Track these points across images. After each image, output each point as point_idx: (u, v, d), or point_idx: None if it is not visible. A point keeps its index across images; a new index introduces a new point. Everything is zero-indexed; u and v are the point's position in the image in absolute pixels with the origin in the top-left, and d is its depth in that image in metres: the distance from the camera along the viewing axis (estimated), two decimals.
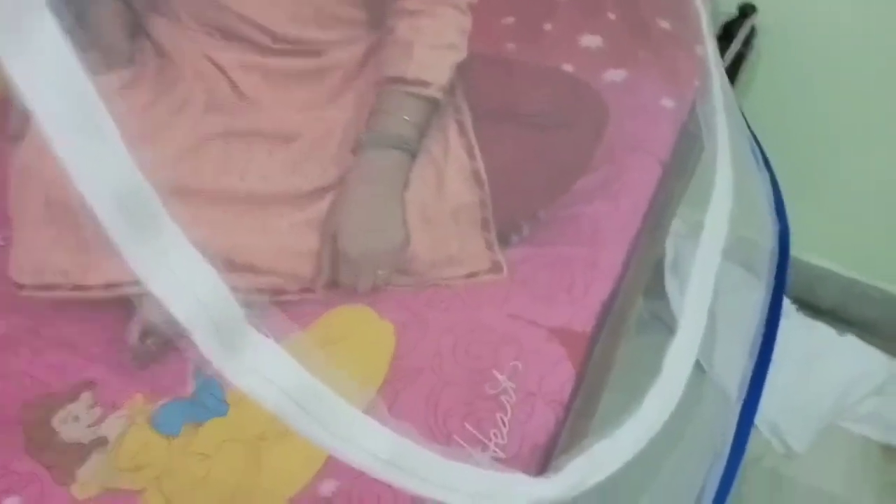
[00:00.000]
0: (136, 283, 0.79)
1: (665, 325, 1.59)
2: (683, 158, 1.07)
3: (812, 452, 1.49)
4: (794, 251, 1.62)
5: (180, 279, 0.40)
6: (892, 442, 1.53)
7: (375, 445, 0.48)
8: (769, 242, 0.96)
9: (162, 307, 0.40)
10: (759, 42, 1.29)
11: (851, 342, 1.62)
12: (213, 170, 0.82)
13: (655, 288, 1.59)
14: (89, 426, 0.75)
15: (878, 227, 1.54)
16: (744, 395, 0.80)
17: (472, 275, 0.90)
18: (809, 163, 1.44)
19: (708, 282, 0.80)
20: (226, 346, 0.42)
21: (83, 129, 0.34)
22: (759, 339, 0.86)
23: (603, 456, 0.62)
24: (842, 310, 1.68)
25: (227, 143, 0.86)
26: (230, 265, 0.78)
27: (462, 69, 0.85)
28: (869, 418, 1.55)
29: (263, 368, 0.44)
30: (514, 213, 0.91)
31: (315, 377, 0.46)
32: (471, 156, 0.86)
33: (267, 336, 0.45)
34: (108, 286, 0.79)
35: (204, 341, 0.41)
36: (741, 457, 0.73)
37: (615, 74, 1.08)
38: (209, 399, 0.79)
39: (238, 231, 0.81)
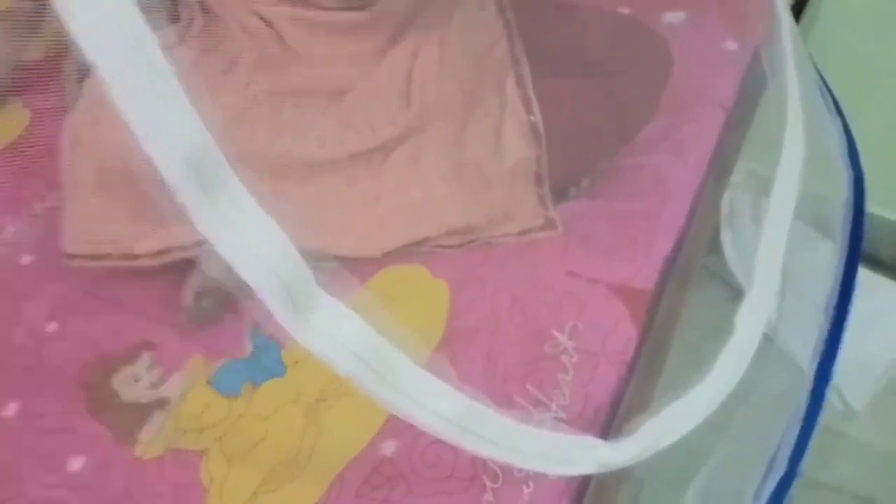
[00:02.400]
0: (189, 247, 0.79)
1: (721, 280, 1.55)
2: (748, 105, 1.02)
3: (871, 410, 1.45)
4: None
5: (249, 242, 0.38)
6: None
7: (443, 406, 0.47)
8: (842, 195, 0.91)
9: (230, 271, 0.38)
10: None
11: None
12: (266, 134, 0.80)
13: (711, 243, 1.55)
14: (150, 387, 0.76)
15: None
16: (818, 359, 0.76)
17: (524, 232, 0.87)
18: (871, 107, 1.37)
19: (781, 237, 0.76)
20: (296, 309, 0.41)
21: (150, 88, 0.33)
22: (833, 300, 0.82)
23: (674, 418, 0.60)
24: None
25: (280, 103, 0.84)
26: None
27: (519, 16, 0.81)
28: None
29: (333, 330, 0.43)
30: (573, 166, 0.88)
31: (382, 337, 0.44)
32: (528, 109, 0.83)
33: (335, 297, 0.43)
34: (159, 253, 0.79)
35: (275, 304, 0.39)
36: (815, 421, 0.70)
37: (674, 16, 1.02)
38: (267, 360, 0.79)
39: (292, 202, 0.79)
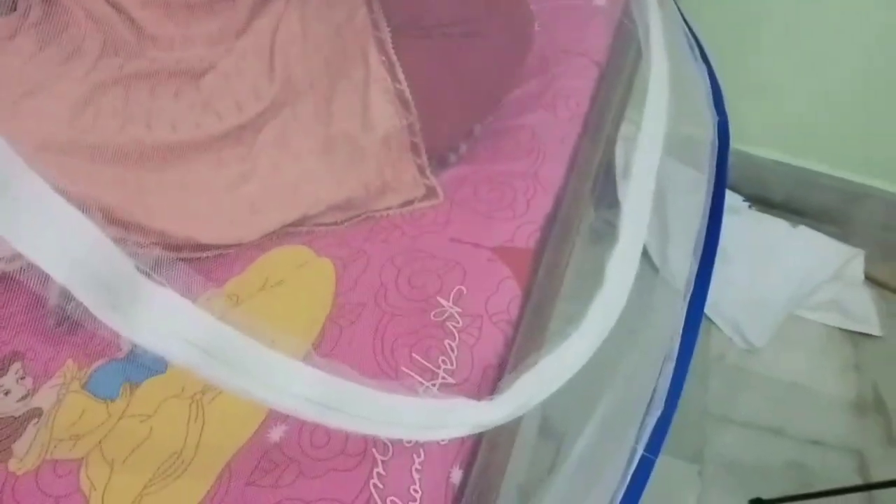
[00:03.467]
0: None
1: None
2: (620, 59, 1.03)
3: (773, 345, 1.52)
4: (742, 146, 1.62)
5: (51, 236, 0.36)
6: (849, 326, 1.57)
7: (305, 388, 0.46)
8: (710, 136, 0.94)
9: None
10: None
11: (804, 232, 1.64)
12: (114, 121, 0.76)
13: (608, 197, 1.57)
14: (20, 399, 0.72)
15: (821, 114, 1.53)
16: (690, 291, 0.79)
17: (406, 203, 0.87)
18: (748, 54, 1.42)
19: (648, 182, 0.78)
20: (117, 302, 0.39)
21: None
22: (702, 234, 0.85)
23: (548, 372, 0.60)
24: (793, 201, 1.69)
25: (127, 89, 0.80)
26: (142, 230, 0.73)
27: None
28: (826, 305, 1.58)
29: (163, 320, 0.41)
30: (447, 132, 0.87)
31: (220, 322, 0.42)
32: (393, 77, 0.82)
33: (163, 285, 0.41)
34: (14, 258, 0.75)
35: (89, 299, 0.37)
36: (690, 353, 0.72)
37: None
38: (146, 357, 0.76)
39: (149, 190, 0.76)
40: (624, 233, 0.71)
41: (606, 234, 1.59)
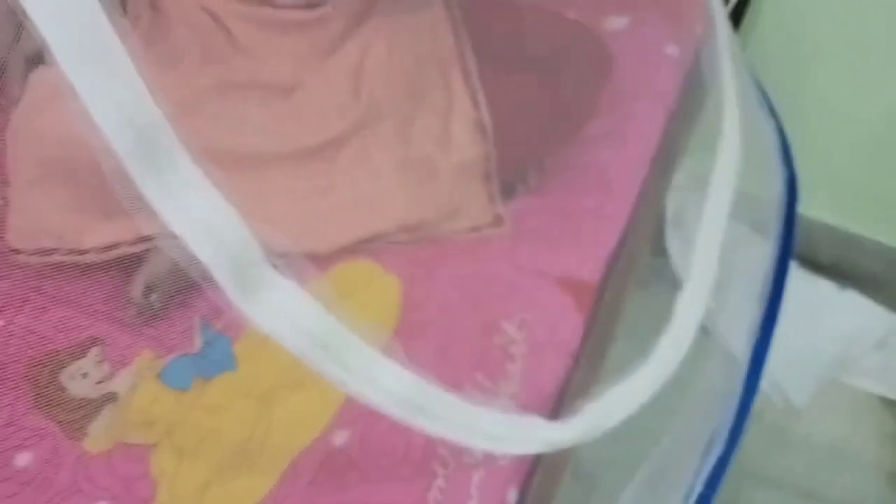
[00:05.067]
0: (137, 241, 0.79)
1: (666, 280, 1.59)
2: (689, 106, 1.06)
3: (813, 407, 1.50)
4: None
5: (199, 215, 0.39)
6: (891, 395, 1.55)
7: (394, 386, 0.48)
8: (776, 194, 0.95)
9: (180, 248, 0.39)
10: None
11: (852, 297, 1.63)
12: (208, 126, 0.80)
13: (656, 245, 1.59)
14: (98, 382, 0.75)
15: (878, 181, 1.53)
16: (750, 354, 0.80)
17: (474, 228, 0.89)
18: (810, 113, 1.43)
19: (717, 230, 0.79)
20: (246, 286, 0.41)
21: (101, 62, 0.33)
22: (766, 294, 0.86)
23: (616, 400, 0.62)
24: (842, 265, 1.68)
25: (223, 97, 0.84)
26: None
27: (465, 13, 0.83)
28: (870, 372, 1.56)
29: (283, 308, 0.43)
30: (519, 163, 0.90)
31: (332, 315, 0.45)
32: (475, 106, 0.85)
33: (286, 277, 0.44)
34: (106, 248, 0.78)
35: (225, 280, 0.40)
36: (749, 406, 0.73)
37: (617, 21, 1.06)
38: (218, 354, 0.79)
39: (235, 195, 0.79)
40: (694, 274, 0.73)
41: (652, 281, 1.61)
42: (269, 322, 0.42)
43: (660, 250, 1.62)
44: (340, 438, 0.72)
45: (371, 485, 0.68)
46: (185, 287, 0.82)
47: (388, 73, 0.86)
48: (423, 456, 0.70)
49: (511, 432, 0.54)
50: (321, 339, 0.44)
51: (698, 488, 0.66)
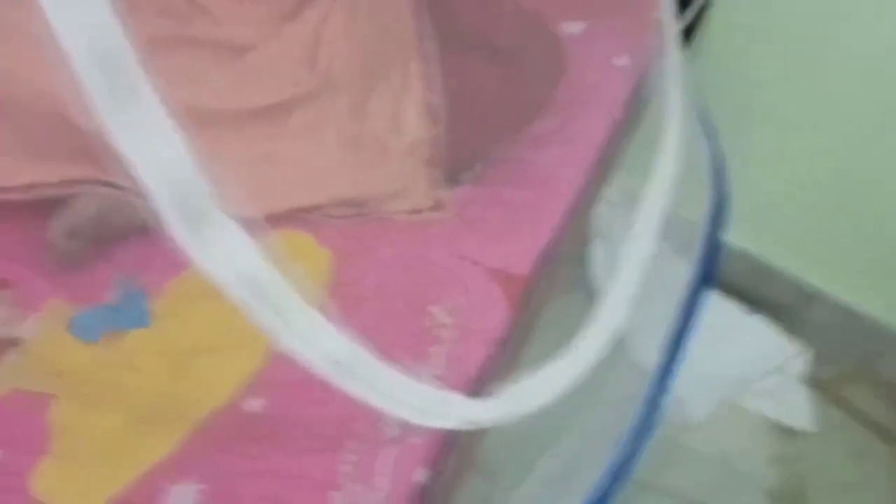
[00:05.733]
0: (61, 184, 0.76)
1: (584, 291, 1.63)
2: (633, 118, 1.09)
3: (709, 424, 1.57)
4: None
5: (150, 143, 0.38)
6: (783, 420, 1.63)
7: (327, 344, 0.47)
8: (703, 216, 0.99)
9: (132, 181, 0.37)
10: (714, 12, 1.32)
11: (757, 322, 1.71)
12: (159, 79, 0.77)
13: (578, 256, 1.63)
14: (5, 324, 0.71)
15: (799, 216, 1.61)
16: (659, 372, 0.83)
17: (415, 210, 0.89)
18: (743, 140, 1.49)
19: (645, 243, 0.82)
20: (192, 222, 0.40)
21: None
22: (681, 315, 0.89)
23: (534, 388, 0.63)
24: (750, 290, 1.76)
25: (176, 51, 0.82)
26: None
27: None
28: (764, 395, 1.65)
29: (226, 251, 0.42)
30: (468, 151, 0.91)
31: (275, 269, 0.44)
32: (430, 89, 0.85)
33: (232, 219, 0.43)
34: (30, 188, 0.75)
35: (171, 213, 0.39)
36: (650, 427, 0.76)
37: (573, 26, 1.08)
38: (132, 309, 0.76)
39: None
40: (619, 280, 0.75)
41: (573, 288, 1.63)
42: (211, 262, 0.41)
43: (581, 261, 1.66)
44: (253, 406, 0.70)
45: (281, 454, 0.67)
46: (108, 237, 0.79)
47: (346, 47, 0.86)
48: (337, 430, 0.70)
49: (432, 405, 0.55)
50: (261, 287, 0.43)
51: (595, 495, 0.68)
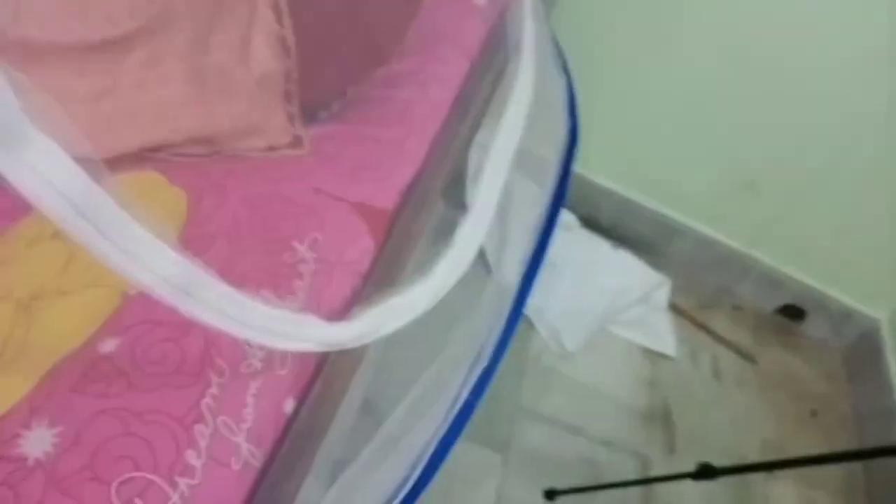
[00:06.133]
0: None
1: None
2: (491, 58, 1.11)
3: (583, 353, 1.66)
4: (584, 170, 1.76)
5: None
6: (650, 345, 1.75)
7: (165, 268, 0.47)
8: (558, 144, 1.03)
9: None
10: None
11: (624, 256, 1.81)
12: None
13: (457, 198, 1.65)
14: None
15: (649, 150, 1.71)
16: (519, 282, 0.87)
17: (271, 148, 0.88)
18: (603, 87, 1.56)
19: (501, 168, 0.84)
20: (4, 142, 0.38)
21: None
22: (538, 235, 0.94)
23: (393, 309, 0.64)
24: (618, 227, 1.86)
25: None
26: None
27: None
28: (632, 324, 1.75)
29: (46, 171, 0.40)
30: (323, 87, 0.90)
31: (98, 186, 0.43)
32: (279, 20, 0.83)
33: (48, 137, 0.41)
34: None
35: None
36: (512, 332, 0.80)
37: None
38: None
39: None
40: (476, 206, 0.77)
41: (451, 231, 1.66)
42: (29, 182, 0.39)
43: (461, 204, 1.68)
44: (108, 346, 0.68)
45: (140, 392, 0.66)
46: None
47: None
48: (199, 365, 0.69)
49: (284, 328, 0.55)
50: (82, 207, 0.41)
51: (464, 395, 0.70)
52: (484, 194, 0.81)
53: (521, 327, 1.65)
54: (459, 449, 1.37)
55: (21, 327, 0.68)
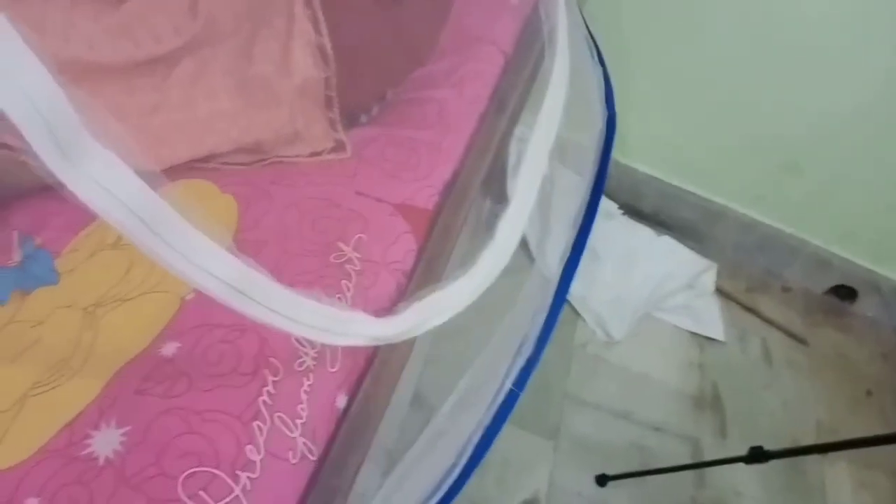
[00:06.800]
0: None
1: None
2: (526, 52, 1.12)
3: (629, 340, 1.66)
4: (621, 158, 1.76)
5: (11, 77, 0.38)
6: (697, 330, 1.74)
7: (218, 269, 0.49)
8: (596, 134, 1.04)
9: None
10: None
11: (667, 242, 1.80)
12: (28, 30, 0.76)
13: (499, 192, 1.67)
14: None
15: (696, 139, 1.69)
16: (561, 273, 0.88)
17: (314, 154, 0.91)
18: (641, 75, 1.55)
19: (540, 160, 0.85)
20: (63, 152, 0.41)
21: None
22: (578, 225, 0.94)
23: (437, 304, 0.66)
24: (660, 213, 1.85)
25: (46, 3, 0.80)
26: None
27: None
28: (679, 310, 1.75)
29: (105, 180, 0.43)
30: (362, 92, 0.92)
31: (155, 192, 0.45)
32: (317, 30, 0.86)
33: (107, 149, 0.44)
34: None
35: (40, 145, 0.40)
36: (555, 322, 0.81)
37: None
38: (37, 268, 0.76)
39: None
40: (516, 198, 0.79)
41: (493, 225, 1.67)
42: (88, 192, 0.42)
43: (503, 198, 1.70)
44: (169, 349, 0.72)
45: (199, 392, 0.69)
46: (2, 199, 0.78)
47: None
48: (254, 365, 0.72)
49: (333, 324, 0.57)
50: (142, 214, 0.44)
51: (508, 385, 0.72)
52: (523, 187, 0.82)
53: (566, 317, 1.66)
54: (511, 437, 1.41)
55: (87, 334, 0.72)
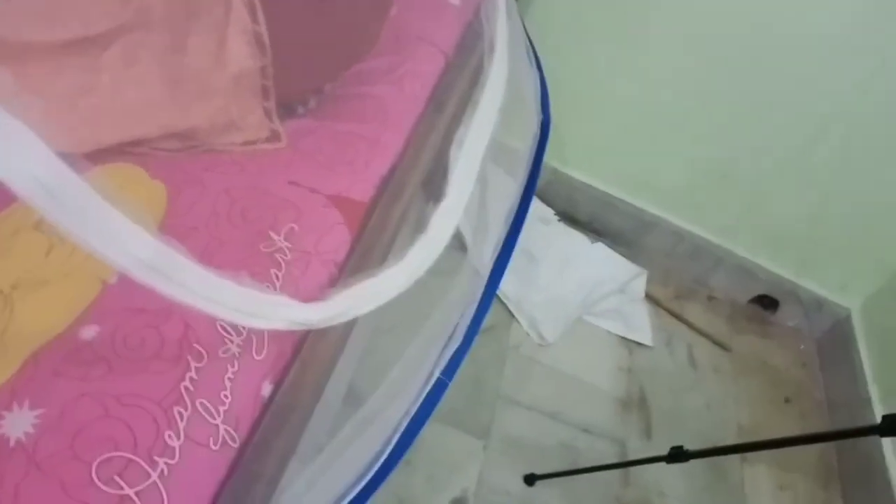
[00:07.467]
0: None
1: None
2: (468, 55, 1.13)
3: (562, 342, 1.69)
4: (561, 167, 1.80)
5: None
6: (627, 335, 1.78)
7: (145, 251, 0.49)
8: (531, 137, 1.06)
9: None
10: None
11: (601, 248, 1.85)
12: None
13: (438, 194, 1.68)
14: None
15: (631, 150, 1.74)
16: (493, 264, 0.90)
17: (249, 143, 0.90)
18: (579, 86, 1.59)
19: (475, 158, 0.87)
20: None
21: None
22: (510, 222, 0.96)
23: (366, 291, 0.67)
24: (595, 220, 1.89)
25: None
26: None
27: None
28: (610, 314, 1.79)
29: (23, 159, 0.42)
30: (298, 84, 0.92)
31: (81, 176, 0.45)
32: (254, 18, 0.85)
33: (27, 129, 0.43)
34: None
35: None
36: (484, 314, 0.83)
37: None
38: None
39: None
40: (450, 193, 0.80)
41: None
42: (8, 172, 0.41)
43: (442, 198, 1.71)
44: (89, 333, 0.70)
45: (119, 376, 0.68)
46: None
47: None
48: (178, 351, 0.71)
49: (257, 307, 0.57)
50: (61, 194, 0.43)
51: (437, 374, 0.73)
52: (457, 183, 0.83)
53: (501, 318, 1.68)
54: (443, 436, 1.42)
55: (2, 315, 0.69)
